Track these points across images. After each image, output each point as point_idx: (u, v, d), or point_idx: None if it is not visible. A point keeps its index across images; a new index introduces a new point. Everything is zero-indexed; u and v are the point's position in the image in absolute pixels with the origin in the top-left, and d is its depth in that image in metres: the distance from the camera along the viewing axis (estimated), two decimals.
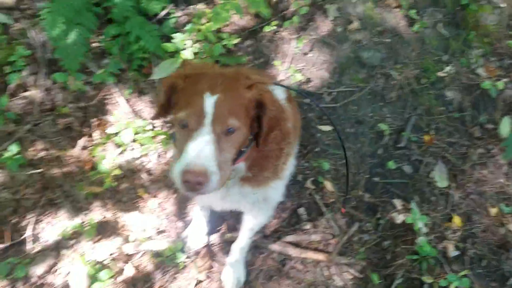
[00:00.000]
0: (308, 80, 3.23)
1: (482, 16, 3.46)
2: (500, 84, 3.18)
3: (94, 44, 3.18)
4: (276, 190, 2.02)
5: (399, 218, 2.85)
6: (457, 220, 2.86)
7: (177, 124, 1.57)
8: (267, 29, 3.29)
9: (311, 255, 2.72)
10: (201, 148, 1.44)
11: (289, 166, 2.07)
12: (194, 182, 1.41)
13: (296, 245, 2.76)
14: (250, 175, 1.78)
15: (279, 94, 2.01)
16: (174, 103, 1.64)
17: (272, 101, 1.66)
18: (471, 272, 2.70)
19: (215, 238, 2.71)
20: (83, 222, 2.70)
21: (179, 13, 3.34)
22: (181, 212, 2.81)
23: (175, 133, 1.64)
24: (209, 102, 1.49)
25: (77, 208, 2.75)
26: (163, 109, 1.72)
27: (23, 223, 2.67)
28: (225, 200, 1.97)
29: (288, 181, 2.16)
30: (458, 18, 3.50)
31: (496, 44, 3.44)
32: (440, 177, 2.99)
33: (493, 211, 2.88)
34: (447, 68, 3.30)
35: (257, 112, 1.62)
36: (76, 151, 2.89)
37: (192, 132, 1.48)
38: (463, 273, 2.61)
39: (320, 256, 2.71)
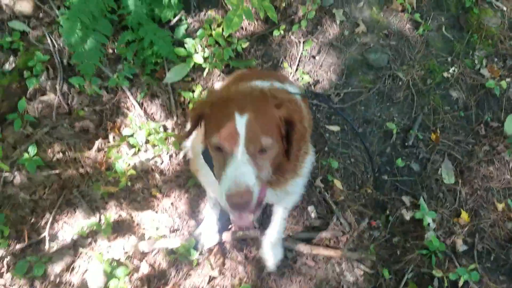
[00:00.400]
0: (316, 82, 3.32)
1: (484, 19, 3.54)
2: (504, 84, 3.26)
3: (109, 50, 3.28)
4: (296, 187, 2.10)
5: (408, 215, 2.90)
6: (464, 216, 2.91)
7: (211, 148, 1.66)
8: (276, 33, 3.39)
9: (322, 251, 2.77)
10: (240, 171, 1.53)
11: (308, 163, 2.14)
12: (241, 203, 1.52)
13: (307, 242, 2.82)
14: (274, 179, 1.84)
15: (293, 91, 2.10)
16: (204, 129, 1.75)
17: (300, 119, 1.72)
18: (480, 266, 2.74)
19: (227, 235, 2.76)
20: (99, 221, 2.78)
21: (190, 20, 3.44)
22: (193, 211, 2.88)
23: (212, 154, 1.71)
24: (241, 122, 1.55)
25: (94, 207, 2.83)
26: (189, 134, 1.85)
27: (42, 223, 2.76)
28: None
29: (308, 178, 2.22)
30: (461, 21, 3.59)
31: (499, 45, 3.52)
32: (447, 174, 3.05)
33: (500, 206, 2.93)
34: (452, 69, 3.37)
35: (286, 128, 1.68)
36: (92, 153, 2.98)
37: (227, 154, 1.56)
38: (472, 266, 2.65)
39: (331, 252, 2.76)
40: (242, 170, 1.52)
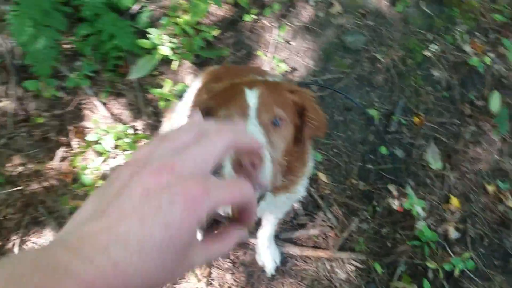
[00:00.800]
0: (293, 69, 3.12)
1: None
2: (487, 60, 3.14)
3: (65, 46, 2.99)
4: (301, 188, 1.85)
5: (396, 204, 2.80)
6: (455, 201, 2.83)
7: None
8: (247, 18, 3.16)
9: (312, 253, 2.65)
10: (251, 129, 1.29)
11: (311, 160, 1.92)
12: (248, 164, 1.13)
13: (296, 243, 2.69)
14: (284, 182, 1.59)
15: None
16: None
17: (314, 109, 1.53)
18: (474, 252, 2.67)
19: None
20: None
21: (153, 6, 3.17)
22: None
23: None
24: (251, 94, 1.37)
25: (63, 224, 2.60)
26: None
27: (8, 246, 2.52)
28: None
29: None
30: None
31: (480, 19, 3.39)
32: (433, 159, 2.94)
33: (490, 188, 2.86)
34: (433, 47, 3.23)
35: (299, 117, 1.49)
36: (55, 163, 2.73)
37: None
38: (466, 255, 2.59)
39: (320, 253, 2.65)
40: (253, 128, 1.29)
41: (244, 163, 1.12)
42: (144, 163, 0.54)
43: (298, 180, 1.71)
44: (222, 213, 0.72)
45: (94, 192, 0.56)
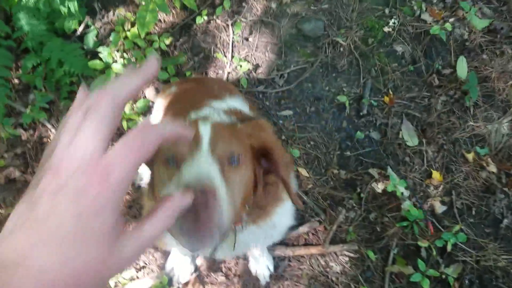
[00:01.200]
0: (256, 67, 3.02)
1: None
2: (448, 26, 3.08)
3: (15, 81, 2.84)
4: (283, 214, 1.61)
5: (379, 187, 2.76)
6: (436, 175, 2.80)
7: (158, 164, 1.12)
8: (199, 20, 3.03)
9: (304, 251, 2.60)
10: (202, 166, 1.01)
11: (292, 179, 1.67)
12: (200, 202, 0.87)
13: (287, 244, 2.64)
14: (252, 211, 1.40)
15: (241, 105, 1.81)
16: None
17: (279, 147, 1.30)
18: (463, 223, 2.66)
19: (201, 259, 2.53)
20: None
21: (99, 24, 3.02)
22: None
23: (156, 173, 1.16)
24: (204, 126, 1.13)
25: None
26: None
27: None
28: (235, 250, 1.54)
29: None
30: None
31: None
32: (409, 136, 2.91)
33: (470, 156, 2.84)
34: (392, 22, 3.16)
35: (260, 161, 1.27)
36: None
37: (184, 160, 1.03)
38: (456, 228, 2.57)
39: (312, 250, 2.61)
40: (205, 165, 1.01)
41: (195, 202, 0.81)
42: (48, 165, 0.54)
43: (275, 203, 1.51)
44: None
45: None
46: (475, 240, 2.63)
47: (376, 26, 3.13)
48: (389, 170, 2.77)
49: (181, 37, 3.08)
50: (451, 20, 3.16)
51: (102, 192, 0.51)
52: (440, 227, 2.66)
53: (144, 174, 2.69)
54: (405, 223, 2.64)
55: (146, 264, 2.55)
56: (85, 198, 0.50)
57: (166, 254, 2.55)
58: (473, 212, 2.72)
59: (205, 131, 1.11)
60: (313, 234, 2.70)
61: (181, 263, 2.46)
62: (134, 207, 2.66)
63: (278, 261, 2.60)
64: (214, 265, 2.56)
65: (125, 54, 2.91)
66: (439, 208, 2.73)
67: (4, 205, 2.60)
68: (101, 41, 2.99)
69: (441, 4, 3.24)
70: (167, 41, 2.98)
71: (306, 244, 2.66)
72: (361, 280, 2.57)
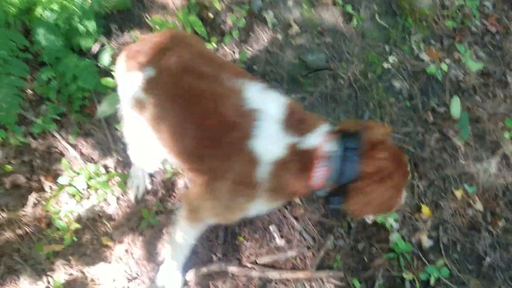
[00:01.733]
0: None
1: (416, 0, 3.47)
2: (444, 66, 3.21)
3: (29, 91, 3.00)
4: None
5: (370, 218, 2.84)
6: (425, 210, 2.88)
7: None
8: (208, 46, 3.19)
9: (291, 275, 2.67)
10: None
11: None
12: None
13: (274, 267, 2.71)
14: None
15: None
16: None
17: None
18: (448, 259, 2.73)
19: (191, 275, 2.62)
20: (48, 285, 2.56)
21: (114, 44, 3.19)
22: (150, 254, 2.69)
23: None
24: None
25: (39, 270, 2.58)
26: None
27: None
28: None
29: None
30: (393, 6, 3.51)
31: (434, 26, 3.47)
32: None
33: (458, 193, 2.92)
34: (391, 58, 3.30)
35: None
36: (28, 209, 2.72)
37: None
38: (441, 262, 2.64)
39: (299, 275, 2.68)
40: None
41: None
42: None
43: None
44: None
45: None
46: (458, 276, 2.69)
47: (376, 61, 3.27)
48: None
49: None
50: (448, 61, 3.29)
51: None
52: (425, 260, 2.73)
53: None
54: (392, 255, 2.71)
55: (138, 275, 2.64)
56: None
57: (158, 265, 2.63)
58: (458, 248, 2.79)
59: None
60: (301, 259, 2.77)
61: (172, 277, 2.54)
62: (132, 219, 2.76)
63: (265, 283, 2.67)
64: (203, 281, 2.64)
65: None
66: (426, 243, 2.80)
67: (6, 209, 2.72)
68: (115, 60, 3.15)
69: (439, 44, 3.38)
70: None
71: (294, 268, 2.73)
72: None
